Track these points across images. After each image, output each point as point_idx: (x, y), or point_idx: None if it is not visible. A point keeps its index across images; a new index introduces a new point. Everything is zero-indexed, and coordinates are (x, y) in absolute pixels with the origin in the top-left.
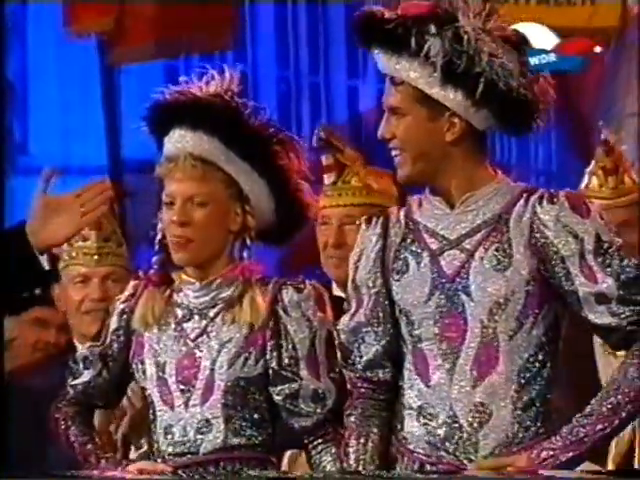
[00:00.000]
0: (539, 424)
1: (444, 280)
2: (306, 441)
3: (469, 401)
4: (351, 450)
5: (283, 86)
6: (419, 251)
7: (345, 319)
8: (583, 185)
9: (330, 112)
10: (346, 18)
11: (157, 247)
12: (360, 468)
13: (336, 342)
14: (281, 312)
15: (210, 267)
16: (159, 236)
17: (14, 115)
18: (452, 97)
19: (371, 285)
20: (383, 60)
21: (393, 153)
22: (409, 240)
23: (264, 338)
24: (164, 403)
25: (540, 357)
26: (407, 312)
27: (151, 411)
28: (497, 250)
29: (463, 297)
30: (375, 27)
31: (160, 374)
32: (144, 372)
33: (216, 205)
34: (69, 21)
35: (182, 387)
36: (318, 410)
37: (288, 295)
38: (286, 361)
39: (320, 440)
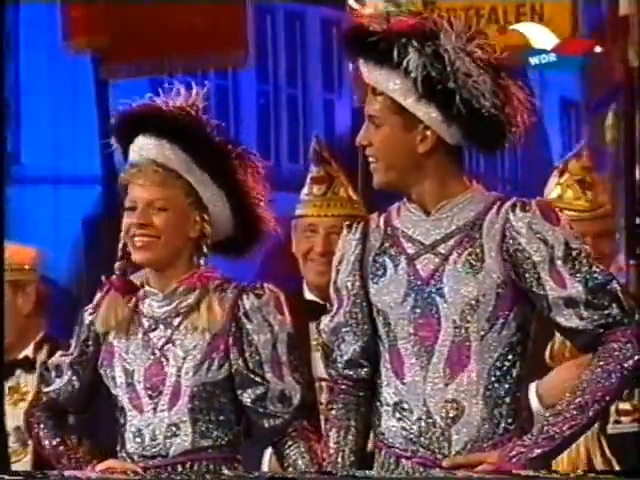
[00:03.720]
0: (509, 420)
1: (419, 282)
2: (275, 439)
3: (442, 398)
4: (331, 441)
5: (262, 99)
6: (396, 255)
7: (326, 320)
8: (554, 195)
9: (307, 123)
10: (322, 35)
11: (120, 253)
12: (339, 459)
13: (319, 341)
14: (243, 318)
15: (169, 272)
16: (121, 243)
17: (6, 126)
18: (425, 110)
19: (350, 287)
20: (366, 70)
21: (369, 160)
22: (387, 245)
23: (226, 343)
24: (134, 408)
25: (510, 357)
26: (384, 313)
27: (122, 416)
28: (470, 255)
29: (437, 299)
30: (361, 39)
31: (129, 381)
32: (114, 379)
33: (176, 211)
34: (67, 36)
35: (150, 393)
36: (285, 410)
37: (249, 301)
38: (251, 365)
39: (288, 437)
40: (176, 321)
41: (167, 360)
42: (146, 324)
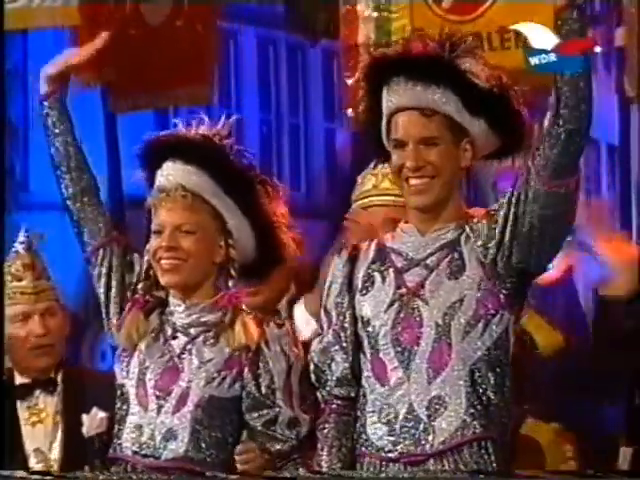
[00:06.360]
0: (491, 408)
1: (405, 291)
2: (279, 464)
3: (426, 396)
4: (323, 459)
5: (265, 128)
6: (386, 269)
7: (316, 342)
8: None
9: (308, 151)
10: (323, 65)
11: (144, 275)
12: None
13: (310, 365)
14: (263, 345)
15: (195, 295)
16: (145, 265)
17: (15, 154)
18: (477, 124)
19: (339, 306)
20: (414, 93)
21: (419, 181)
22: (378, 262)
23: (241, 364)
24: (139, 404)
25: (492, 357)
26: (368, 321)
27: (124, 407)
28: (451, 261)
29: (419, 303)
30: (411, 62)
31: (141, 376)
32: (127, 371)
33: (202, 235)
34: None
35: (158, 394)
36: (293, 436)
37: (269, 329)
38: (264, 390)
39: (290, 463)
40: (195, 331)
41: (182, 367)
42: (168, 331)
